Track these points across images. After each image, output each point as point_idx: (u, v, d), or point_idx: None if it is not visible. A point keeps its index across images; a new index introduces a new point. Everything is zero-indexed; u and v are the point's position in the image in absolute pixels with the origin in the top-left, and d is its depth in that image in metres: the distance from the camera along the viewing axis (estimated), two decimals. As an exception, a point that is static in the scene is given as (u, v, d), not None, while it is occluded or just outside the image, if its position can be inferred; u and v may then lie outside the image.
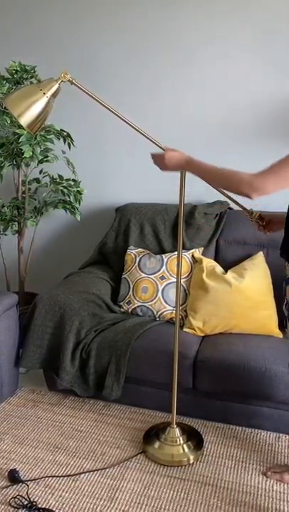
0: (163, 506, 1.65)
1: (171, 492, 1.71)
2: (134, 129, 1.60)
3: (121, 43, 2.69)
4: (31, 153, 2.41)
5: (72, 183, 2.75)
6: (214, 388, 2.04)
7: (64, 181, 2.78)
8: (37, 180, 2.88)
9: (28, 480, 1.75)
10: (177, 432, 1.93)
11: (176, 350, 1.91)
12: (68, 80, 1.50)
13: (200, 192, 2.60)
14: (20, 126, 2.42)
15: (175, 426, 1.94)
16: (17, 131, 2.41)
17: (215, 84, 2.61)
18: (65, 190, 2.77)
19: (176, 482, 1.76)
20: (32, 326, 2.22)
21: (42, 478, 1.77)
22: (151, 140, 1.62)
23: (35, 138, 2.43)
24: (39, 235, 2.98)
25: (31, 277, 3.01)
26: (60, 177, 2.79)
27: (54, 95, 1.50)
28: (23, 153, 2.41)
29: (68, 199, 2.79)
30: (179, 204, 1.74)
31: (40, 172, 2.84)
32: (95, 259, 2.76)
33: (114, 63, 2.73)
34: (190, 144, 2.71)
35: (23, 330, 2.28)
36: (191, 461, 1.86)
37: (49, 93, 1.48)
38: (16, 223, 2.79)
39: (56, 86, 1.50)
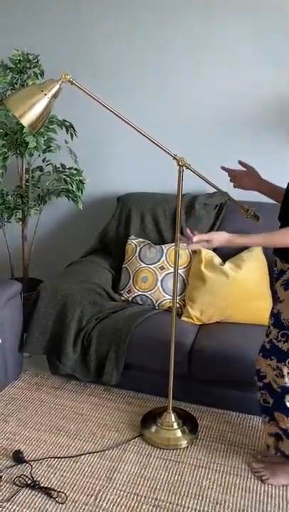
0: (158, 487, 1.75)
1: (166, 474, 1.82)
2: (138, 131, 1.65)
3: (122, 34, 2.70)
4: (35, 144, 2.45)
5: (75, 172, 2.80)
6: (210, 375, 2.13)
7: (67, 170, 2.82)
8: (40, 168, 2.92)
9: (32, 460, 1.86)
10: (173, 417, 2.03)
11: (173, 339, 1.98)
12: (69, 81, 1.53)
13: (200, 182, 2.64)
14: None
15: (171, 411, 2.04)
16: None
17: (216, 74, 2.62)
18: (68, 179, 2.81)
19: (171, 464, 1.87)
20: (35, 314, 2.30)
21: (44, 458, 1.87)
22: (158, 145, 1.66)
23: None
24: (42, 223, 3.03)
25: (35, 264, 3.08)
26: (63, 166, 2.83)
27: (55, 96, 1.54)
28: (27, 144, 2.45)
29: (71, 188, 2.84)
30: (177, 196, 1.78)
31: (44, 161, 2.88)
32: (96, 247, 2.83)
33: (114, 53, 2.74)
34: (190, 137, 2.73)
35: (26, 316, 2.36)
36: (186, 445, 1.96)
37: (50, 94, 1.52)
38: (19, 211, 2.85)
39: (57, 87, 1.54)
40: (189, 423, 2.08)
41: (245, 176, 1.76)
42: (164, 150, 1.68)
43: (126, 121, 1.62)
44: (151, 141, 1.67)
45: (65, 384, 2.38)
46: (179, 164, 1.70)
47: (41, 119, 1.52)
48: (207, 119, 2.71)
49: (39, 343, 2.32)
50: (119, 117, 1.62)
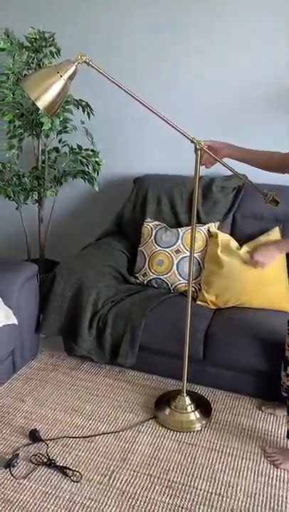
0: (171, 468, 1.78)
1: (179, 456, 1.84)
2: (155, 113, 1.61)
3: (137, 15, 2.62)
4: (50, 125, 2.43)
5: (91, 153, 2.77)
6: (224, 360, 2.13)
7: (83, 151, 2.80)
8: (56, 149, 2.90)
9: (48, 439, 1.90)
10: (187, 400, 2.04)
11: (188, 322, 1.98)
12: (85, 62, 1.50)
13: (217, 164, 2.60)
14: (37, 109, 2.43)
15: (185, 394, 2.05)
16: (36, 102, 2.41)
17: (236, 55, 2.54)
18: (84, 161, 2.79)
19: (184, 447, 1.89)
20: (51, 296, 2.32)
21: (60, 438, 1.92)
22: (178, 130, 1.63)
23: (54, 110, 2.43)
24: (58, 205, 3.03)
25: (51, 245, 3.10)
26: (79, 147, 2.81)
27: (71, 77, 1.51)
28: (42, 125, 2.43)
29: (87, 169, 2.82)
30: (194, 180, 1.75)
31: (60, 141, 2.86)
32: (112, 230, 2.82)
33: (129, 34, 2.68)
34: (206, 118, 2.67)
35: (43, 298, 2.38)
36: (199, 428, 1.98)
37: (66, 75, 1.49)
38: (36, 193, 2.85)
39: (73, 68, 1.50)
40: (203, 406, 2.09)
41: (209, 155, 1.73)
42: (182, 133, 1.64)
43: (142, 103, 1.59)
44: (168, 123, 1.63)
45: (81, 365, 2.42)
46: (196, 148, 1.66)
47: (57, 102, 1.50)
48: (225, 101, 2.64)
49: (55, 324, 2.34)
50: (134, 98, 1.59)
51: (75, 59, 1.50)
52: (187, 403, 2.04)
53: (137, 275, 2.54)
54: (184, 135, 1.64)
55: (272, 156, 1.75)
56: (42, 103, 1.50)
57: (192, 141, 1.66)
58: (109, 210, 2.98)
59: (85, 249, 2.60)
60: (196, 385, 2.26)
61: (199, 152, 1.68)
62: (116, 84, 1.56)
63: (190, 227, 2.50)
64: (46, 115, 2.37)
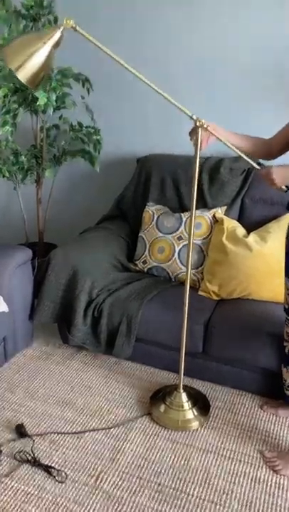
0: (163, 471, 1.67)
1: (173, 457, 1.73)
2: (151, 87, 1.45)
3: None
4: (46, 100, 2.27)
5: (92, 130, 2.61)
6: (225, 355, 2.00)
7: (84, 129, 2.64)
8: (56, 126, 2.75)
9: (34, 435, 1.81)
10: (184, 397, 1.93)
11: (186, 315, 1.85)
12: (72, 27, 1.34)
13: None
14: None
15: (182, 391, 1.94)
16: (31, 75, 2.25)
17: (246, 20, 2.33)
18: (85, 139, 2.64)
19: (178, 447, 1.78)
20: (46, 282, 2.21)
21: (48, 433, 1.82)
22: (176, 105, 1.47)
23: (51, 84, 2.27)
24: (58, 185, 2.89)
25: (50, 228, 2.97)
26: (80, 124, 2.65)
27: (56, 45, 1.35)
28: (37, 100, 2.27)
29: (87, 148, 2.67)
30: (194, 161, 1.60)
31: (60, 118, 2.70)
32: (112, 213, 2.68)
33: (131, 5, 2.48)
34: (212, 92, 2.48)
35: (37, 284, 2.27)
36: (196, 427, 1.87)
37: (50, 42, 1.33)
38: (34, 172, 2.71)
39: (58, 34, 1.34)
40: (201, 403, 1.98)
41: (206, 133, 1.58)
42: (180, 108, 1.47)
43: (134, 73, 1.42)
44: (165, 97, 1.46)
45: (76, 354, 2.31)
46: (196, 125, 1.50)
47: (41, 73, 1.34)
48: (231, 71, 2.44)
49: (49, 311, 2.23)
50: (129, 70, 1.42)
51: (61, 24, 1.33)
52: (184, 400, 1.92)
53: (137, 262, 2.40)
54: (183, 110, 1.47)
55: (266, 142, 1.67)
56: (23, 74, 1.35)
57: (191, 118, 1.49)
58: (111, 192, 2.83)
59: (82, 234, 2.47)
60: (194, 380, 2.14)
61: (199, 130, 1.52)
62: (107, 53, 1.39)
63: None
64: (29, 87, 2.21)
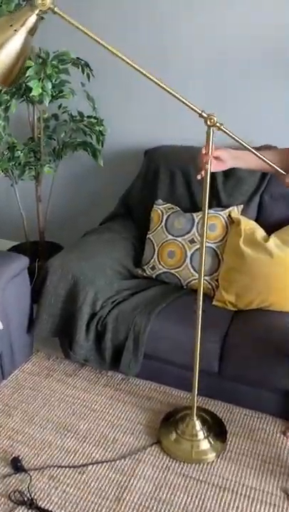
0: (174, 514, 1.49)
1: (185, 497, 1.55)
2: (151, 79, 1.21)
3: None
4: (40, 91, 2.02)
5: (94, 121, 2.37)
6: (243, 374, 1.79)
7: (85, 119, 2.40)
8: (55, 117, 2.51)
9: (32, 469, 1.63)
10: (197, 425, 1.73)
11: (199, 332, 1.63)
12: (49, 9, 1.09)
13: (243, 134, 2.18)
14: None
15: (195, 418, 1.73)
16: (23, 62, 2.01)
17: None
18: (87, 130, 2.40)
19: (192, 484, 1.59)
20: (44, 293, 2.00)
21: (47, 467, 1.64)
22: (181, 100, 1.23)
23: (45, 70, 2.02)
24: (59, 181, 2.66)
25: (52, 226, 2.76)
26: (81, 114, 2.40)
27: (31, 31, 1.10)
28: (31, 90, 2.03)
29: (90, 140, 2.43)
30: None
31: (60, 107, 2.46)
32: (118, 212, 2.45)
33: None
34: (219, 81, 2.21)
35: (35, 294, 2.07)
36: (211, 460, 1.67)
37: (22, 29, 1.09)
38: (33, 167, 2.48)
39: (33, 18, 1.10)
40: (217, 429, 1.78)
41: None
42: (187, 104, 1.23)
43: (132, 65, 1.18)
44: (186, 103, 1.22)
45: (79, 370, 2.13)
46: (207, 124, 1.26)
47: (15, 68, 1.11)
48: (239, 56, 2.16)
49: (48, 325, 2.04)
50: (120, 57, 1.18)
51: (35, 5, 1.08)
52: (198, 428, 1.72)
53: (145, 268, 2.18)
54: (190, 107, 1.23)
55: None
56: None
57: (201, 116, 1.25)
58: (117, 188, 2.59)
59: (84, 237, 2.25)
60: (209, 400, 1.94)
61: (211, 130, 1.27)
62: (95, 39, 1.15)
63: (208, 211, 2.11)
64: (2, 86, 1.97)
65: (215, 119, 1.24)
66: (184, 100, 1.22)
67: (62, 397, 1.97)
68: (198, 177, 1.39)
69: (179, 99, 1.22)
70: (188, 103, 1.22)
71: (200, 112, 1.23)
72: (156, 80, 1.20)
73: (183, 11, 2.17)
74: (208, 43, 2.19)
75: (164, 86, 1.20)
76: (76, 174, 2.72)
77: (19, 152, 2.35)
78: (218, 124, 1.25)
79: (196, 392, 1.71)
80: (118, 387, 2.03)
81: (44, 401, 1.95)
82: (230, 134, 1.27)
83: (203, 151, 1.33)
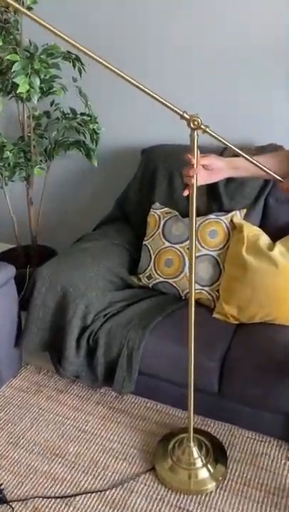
0: None
1: (180, 533, 1.42)
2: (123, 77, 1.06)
3: None
4: (28, 87, 1.88)
5: (87, 118, 2.22)
6: (245, 395, 1.65)
7: (78, 116, 2.25)
8: (47, 114, 2.36)
9: (15, 500, 1.51)
10: (194, 452, 1.59)
11: (192, 350, 1.48)
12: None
13: (245, 131, 2.03)
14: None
15: (192, 444, 1.60)
16: (8, 57, 1.86)
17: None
18: (81, 128, 2.25)
19: (188, 519, 1.46)
20: (32, 305, 1.87)
21: (31, 498, 1.52)
22: (160, 101, 1.09)
23: (32, 66, 1.87)
24: (51, 182, 2.51)
25: (45, 229, 2.62)
26: (73, 111, 2.26)
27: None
28: (17, 87, 1.88)
29: (83, 139, 2.29)
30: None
31: (52, 104, 2.31)
32: (114, 215, 2.31)
33: None
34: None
35: (23, 305, 1.94)
36: (210, 490, 1.54)
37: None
38: (23, 168, 2.34)
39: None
40: (216, 453, 1.64)
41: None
42: (167, 105, 1.08)
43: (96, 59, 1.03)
44: (167, 105, 1.08)
45: (71, 386, 2.00)
46: (190, 127, 1.11)
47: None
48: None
49: (37, 339, 1.91)
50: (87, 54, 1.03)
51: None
52: (195, 455, 1.59)
53: (141, 276, 2.04)
54: (170, 107, 1.08)
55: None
56: None
57: (183, 117, 1.10)
58: (114, 189, 2.45)
59: (76, 244, 2.11)
60: (208, 420, 1.80)
61: (195, 134, 1.13)
62: (63, 38, 1.00)
63: (208, 216, 1.97)
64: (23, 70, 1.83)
65: (199, 120, 1.10)
66: (162, 100, 1.07)
67: (52, 417, 1.84)
68: (185, 193, 1.23)
69: (156, 99, 1.07)
70: (167, 103, 1.07)
71: (181, 112, 1.09)
72: (132, 80, 1.05)
73: (177, 10, 2.01)
74: (207, 42, 2.03)
75: (138, 84, 1.06)
76: (70, 175, 2.58)
77: (8, 152, 2.21)
78: (203, 127, 1.10)
79: (193, 416, 1.57)
80: (111, 405, 1.89)
81: (32, 421, 1.82)
82: (218, 138, 1.12)
83: (189, 163, 1.18)
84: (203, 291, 1.92)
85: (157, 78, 2.05)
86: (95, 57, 1.00)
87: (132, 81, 1.06)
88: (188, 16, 2.04)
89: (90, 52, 1.00)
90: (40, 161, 2.35)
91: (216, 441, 1.70)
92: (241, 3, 1.94)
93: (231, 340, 1.75)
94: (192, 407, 1.54)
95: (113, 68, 1.03)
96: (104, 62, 1.02)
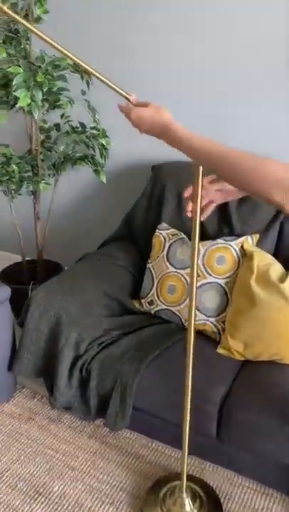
0: None
1: None
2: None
3: None
4: (29, 101, 1.79)
5: (96, 133, 2.13)
6: (246, 443, 1.50)
7: (87, 130, 2.16)
8: (57, 127, 2.29)
9: None
10: (187, 504, 1.45)
11: (189, 390, 1.36)
12: None
13: (263, 143, 1.89)
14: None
15: (185, 495, 1.46)
16: (10, 69, 1.78)
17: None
18: (90, 143, 2.16)
19: None
20: (25, 329, 1.78)
21: None
22: (107, 84, 1.04)
23: (35, 79, 1.79)
24: (59, 197, 2.43)
25: (51, 244, 2.54)
26: (82, 125, 2.17)
27: None
28: (18, 101, 1.80)
29: (93, 153, 2.19)
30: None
31: (62, 116, 2.23)
32: (120, 233, 2.20)
33: None
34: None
35: (19, 326, 1.86)
36: None
37: None
38: (31, 183, 2.27)
39: None
40: (211, 506, 1.50)
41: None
42: (112, 87, 1.03)
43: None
44: (110, 85, 1.03)
45: (64, 414, 1.89)
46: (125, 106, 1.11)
47: None
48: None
49: (30, 364, 1.81)
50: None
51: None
52: (187, 509, 1.45)
53: (142, 301, 1.92)
54: (115, 89, 1.05)
55: None
56: None
57: (127, 98, 1.09)
58: (123, 206, 2.34)
59: (77, 264, 2.01)
60: (205, 463, 1.66)
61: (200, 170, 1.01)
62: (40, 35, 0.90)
63: (217, 241, 1.83)
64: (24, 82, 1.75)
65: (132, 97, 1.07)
66: (107, 81, 1.02)
67: (40, 449, 1.74)
68: (188, 214, 1.14)
69: (101, 79, 1.00)
70: (112, 85, 1.02)
71: (125, 94, 1.09)
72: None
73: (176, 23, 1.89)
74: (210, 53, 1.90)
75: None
76: (78, 190, 2.49)
77: (13, 166, 2.14)
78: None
79: (187, 462, 1.43)
80: (105, 439, 1.78)
81: (19, 452, 1.73)
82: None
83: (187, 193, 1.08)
84: (208, 322, 1.78)
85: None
86: (90, 69, 0.91)
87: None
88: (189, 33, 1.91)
89: (84, 64, 0.91)
90: (48, 175, 2.27)
91: (211, 493, 1.55)
92: (242, 14, 1.80)
93: (234, 380, 1.60)
94: (186, 455, 1.41)
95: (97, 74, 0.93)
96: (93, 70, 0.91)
